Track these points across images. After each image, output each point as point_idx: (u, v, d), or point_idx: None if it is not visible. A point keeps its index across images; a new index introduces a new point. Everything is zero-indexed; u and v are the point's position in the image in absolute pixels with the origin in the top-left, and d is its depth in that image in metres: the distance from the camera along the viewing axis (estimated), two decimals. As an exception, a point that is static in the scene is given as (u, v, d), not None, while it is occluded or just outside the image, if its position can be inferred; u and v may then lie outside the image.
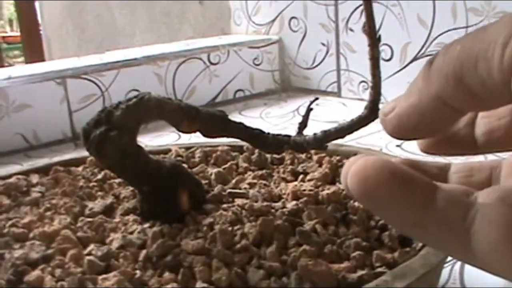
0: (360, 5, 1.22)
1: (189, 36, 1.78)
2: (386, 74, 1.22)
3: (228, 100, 1.36)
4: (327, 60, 1.35)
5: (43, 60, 2.73)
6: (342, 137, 0.44)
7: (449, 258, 0.59)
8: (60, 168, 0.58)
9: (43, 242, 0.43)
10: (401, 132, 0.29)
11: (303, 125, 0.45)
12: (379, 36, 0.42)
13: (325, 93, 1.37)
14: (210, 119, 0.43)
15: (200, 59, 1.31)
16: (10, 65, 5.12)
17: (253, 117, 1.21)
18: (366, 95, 1.24)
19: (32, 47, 2.93)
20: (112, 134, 0.41)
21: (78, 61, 1.23)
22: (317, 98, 0.48)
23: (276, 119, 1.18)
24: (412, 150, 0.94)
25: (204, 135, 0.43)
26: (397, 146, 0.97)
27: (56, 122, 1.12)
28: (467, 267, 0.59)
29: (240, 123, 0.44)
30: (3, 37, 5.38)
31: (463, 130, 0.32)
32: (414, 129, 0.28)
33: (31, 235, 0.44)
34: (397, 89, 1.19)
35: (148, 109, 0.42)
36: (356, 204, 0.45)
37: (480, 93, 0.24)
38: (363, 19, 1.17)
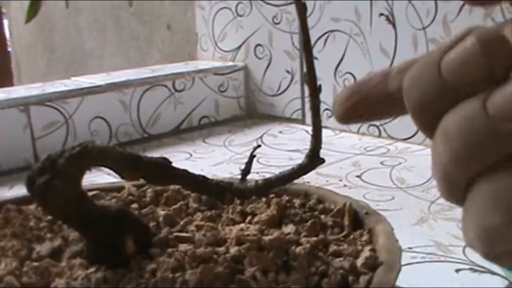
0: (325, 33, 1.23)
1: (157, 60, 1.79)
2: (349, 102, 1.24)
3: (193, 127, 1.37)
4: (291, 88, 1.37)
5: (11, 80, 2.72)
6: (283, 185, 0.44)
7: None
8: (12, 207, 0.58)
9: (-14, 289, 0.43)
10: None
11: (246, 171, 0.46)
12: (320, 86, 0.43)
13: (290, 120, 1.38)
14: (152, 168, 0.43)
15: (165, 86, 1.32)
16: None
17: (217, 145, 1.22)
18: (330, 123, 1.26)
19: (1, 67, 2.92)
20: (55, 182, 0.42)
21: (43, 87, 1.23)
22: (259, 146, 0.48)
23: (239, 147, 1.19)
24: (371, 180, 0.96)
25: (148, 182, 0.44)
26: (357, 176, 0.98)
27: (18, 149, 1.13)
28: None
29: (184, 170, 0.45)
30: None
31: (379, 87, 0.33)
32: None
33: (-24, 280, 0.45)
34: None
35: (91, 158, 0.42)
36: (298, 250, 0.46)
37: None
38: (327, 47, 1.19)
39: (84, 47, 2.19)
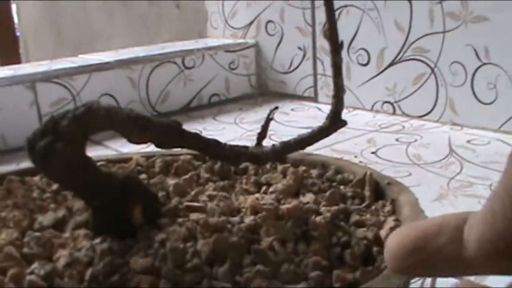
0: (338, 8, 1.20)
1: (166, 39, 1.76)
2: (363, 79, 1.21)
3: (203, 105, 1.34)
4: (303, 65, 1.34)
5: (19, 61, 2.69)
6: (302, 148, 0.41)
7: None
8: (15, 178, 0.55)
9: (-16, 259, 0.40)
10: None
11: (262, 135, 0.43)
12: (341, 42, 0.40)
13: (302, 98, 1.35)
14: (162, 130, 0.40)
15: (175, 63, 1.29)
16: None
17: (228, 122, 1.19)
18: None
19: (8, 48, 2.89)
20: (58, 146, 0.38)
21: (50, 64, 1.20)
22: (276, 107, 0.45)
23: (251, 125, 1.16)
24: (387, 157, 0.93)
25: (157, 146, 0.41)
26: (372, 153, 0.95)
27: (25, 126, 1.09)
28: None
29: (195, 134, 0.42)
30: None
31: (448, 246, 0.28)
32: None
33: (-26, 251, 0.42)
34: (374, 94, 1.18)
35: (97, 119, 0.39)
36: (318, 219, 0.43)
37: None
38: (340, 23, 1.14)
39: (92, 28, 2.16)
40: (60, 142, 0.39)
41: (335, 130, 0.41)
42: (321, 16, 1.27)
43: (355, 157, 0.93)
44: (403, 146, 0.99)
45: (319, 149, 0.95)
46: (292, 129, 1.10)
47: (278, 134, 1.06)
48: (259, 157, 0.41)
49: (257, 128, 1.10)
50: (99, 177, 0.42)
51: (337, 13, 1.23)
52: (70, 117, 0.39)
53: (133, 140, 0.40)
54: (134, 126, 0.39)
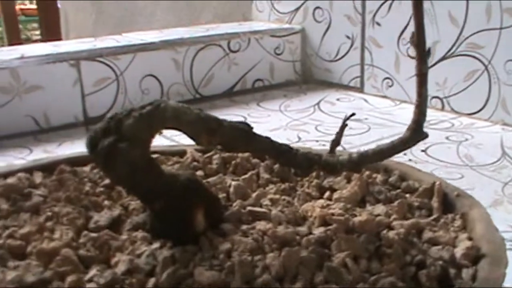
0: (389, -1, 1.17)
1: (209, 19, 1.74)
2: (412, 72, 1.17)
3: (246, 90, 1.31)
4: (351, 54, 1.30)
5: (59, 34, 2.68)
6: (380, 160, 0.39)
7: None
8: (66, 167, 0.53)
9: (40, 261, 0.38)
10: None
11: (335, 143, 0.40)
12: (429, 49, 0.37)
13: (347, 87, 1.32)
14: (233, 133, 0.38)
15: (220, 46, 1.26)
16: (28, 37, 5.08)
17: (272, 109, 1.17)
18: (390, 93, 1.20)
19: (49, 21, 2.89)
20: (121, 146, 0.36)
21: (94, 42, 1.19)
22: (353, 114, 0.43)
23: (296, 113, 1.13)
24: (437, 156, 0.90)
25: (226, 150, 0.39)
26: (422, 151, 0.92)
27: (68, 105, 1.08)
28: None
29: (266, 138, 0.40)
30: (22, 9, 5.32)
31: None
32: None
33: (28, 248, 0.40)
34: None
35: (164, 119, 0.37)
36: (391, 235, 0.41)
37: None
38: (392, 13, 1.11)
39: (135, 3, 2.14)
40: (124, 142, 0.37)
41: (416, 143, 0.38)
42: (371, 5, 1.24)
43: (405, 154, 0.90)
44: (454, 145, 0.96)
45: (368, 143, 0.93)
46: (338, 120, 1.07)
47: (324, 125, 1.03)
48: (334, 166, 0.39)
49: (303, 117, 1.07)
50: (162, 179, 0.40)
51: (388, 3, 1.20)
52: (136, 116, 0.37)
53: (202, 143, 0.37)
54: (203, 129, 0.37)
